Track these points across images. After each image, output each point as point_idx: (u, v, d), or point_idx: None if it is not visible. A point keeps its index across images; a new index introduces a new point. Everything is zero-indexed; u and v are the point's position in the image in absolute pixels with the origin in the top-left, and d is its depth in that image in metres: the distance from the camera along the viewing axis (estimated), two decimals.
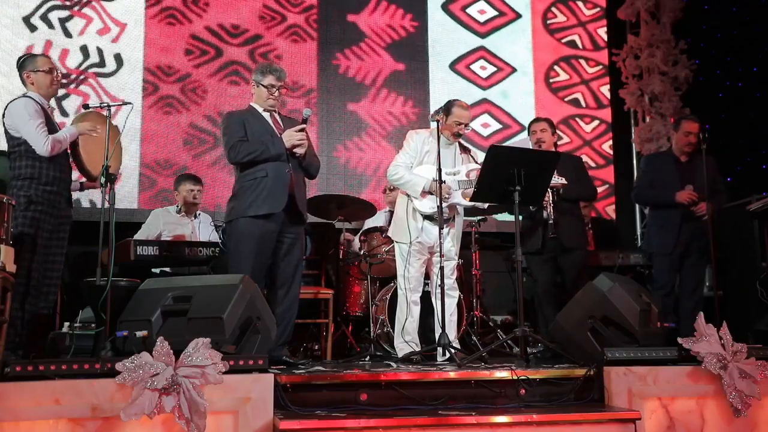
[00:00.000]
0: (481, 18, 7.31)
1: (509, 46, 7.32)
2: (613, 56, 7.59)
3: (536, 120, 5.13)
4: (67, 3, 6.30)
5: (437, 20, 7.16)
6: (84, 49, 6.28)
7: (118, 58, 6.35)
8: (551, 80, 7.37)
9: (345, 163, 6.73)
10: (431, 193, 4.24)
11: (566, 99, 7.37)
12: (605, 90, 7.52)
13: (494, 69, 7.25)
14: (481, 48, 7.25)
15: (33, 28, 6.18)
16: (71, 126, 4.05)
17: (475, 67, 7.19)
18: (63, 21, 6.28)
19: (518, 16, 7.41)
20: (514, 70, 7.28)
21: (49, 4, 6.26)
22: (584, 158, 5.91)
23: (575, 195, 4.83)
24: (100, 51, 6.31)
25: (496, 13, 7.36)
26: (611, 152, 7.40)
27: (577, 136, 7.36)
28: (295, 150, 4.02)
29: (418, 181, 4.27)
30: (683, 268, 5.02)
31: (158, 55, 6.43)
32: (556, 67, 7.39)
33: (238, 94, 6.51)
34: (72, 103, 6.14)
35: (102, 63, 6.31)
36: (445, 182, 4.11)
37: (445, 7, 7.21)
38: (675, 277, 5.05)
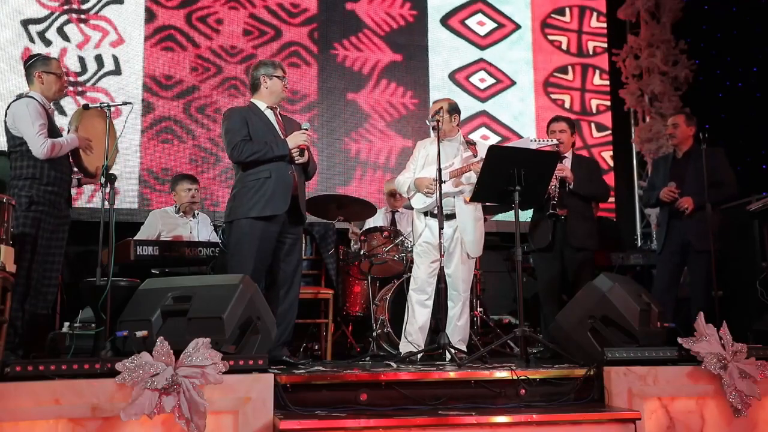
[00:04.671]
0: (481, 30, 7.29)
1: (509, 57, 7.28)
2: (613, 56, 7.59)
3: (555, 119, 4.95)
4: (65, 8, 6.29)
5: (436, 33, 7.13)
6: (82, 56, 6.27)
7: (117, 64, 6.35)
8: (551, 88, 7.35)
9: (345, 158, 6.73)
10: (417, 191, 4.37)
11: (567, 107, 7.33)
12: (605, 92, 7.51)
13: (493, 81, 7.21)
14: (481, 60, 7.23)
15: (31, 33, 6.17)
16: (72, 134, 4.02)
17: (474, 79, 7.17)
18: (61, 27, 6.27)
19: (518, 27, 7.39)
20: (513, 82, 7.26)
21: (48, 11, 6.25)
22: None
23: (585, 191, 4.76)
24: (99, 57, 6.31)
25: (495, 25, 7.33)
26: (611, 156, 7.40)
27: (578, 139, 7.34)
28: (296, 158, 4.01)
29: (405, 182, 4.46)
30: (689, 267, 4.92)
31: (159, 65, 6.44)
32: (556, 74, 7.38)
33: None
34: (70, 108, 6.13)
35: (100, 68, 6.30)
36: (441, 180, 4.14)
37: (444, 21, 7.19)
38: (671, 276, 4.93)
